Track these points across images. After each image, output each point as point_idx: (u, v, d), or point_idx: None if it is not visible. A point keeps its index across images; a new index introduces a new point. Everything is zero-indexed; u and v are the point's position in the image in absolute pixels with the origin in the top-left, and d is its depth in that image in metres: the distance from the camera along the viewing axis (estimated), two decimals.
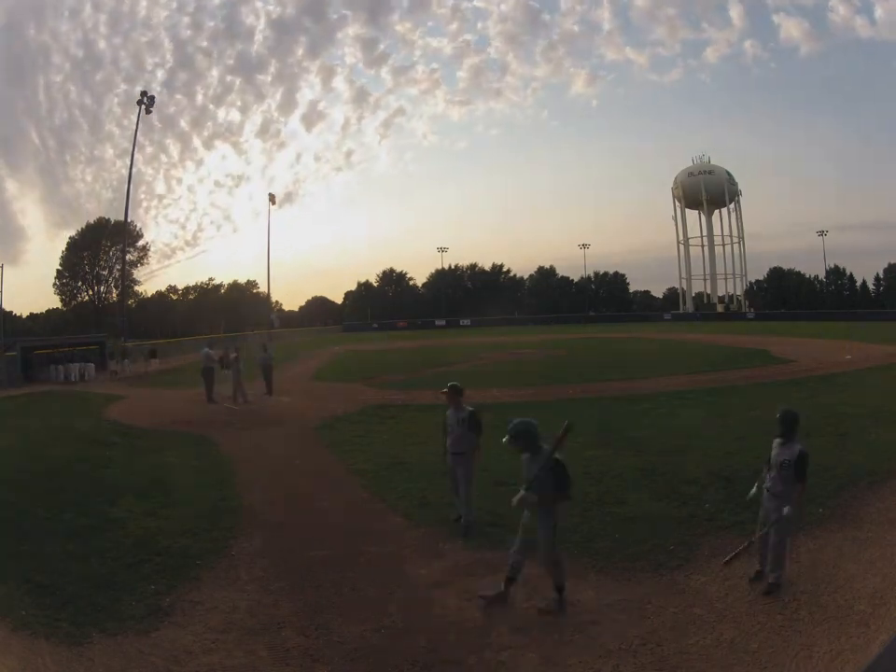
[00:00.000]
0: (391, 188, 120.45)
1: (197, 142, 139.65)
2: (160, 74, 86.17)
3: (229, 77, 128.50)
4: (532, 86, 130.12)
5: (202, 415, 12.66)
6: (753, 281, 77.48)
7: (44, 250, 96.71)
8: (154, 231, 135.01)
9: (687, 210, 74.25)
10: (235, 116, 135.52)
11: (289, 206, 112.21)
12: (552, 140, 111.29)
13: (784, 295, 73.74)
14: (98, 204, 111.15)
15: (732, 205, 72.35)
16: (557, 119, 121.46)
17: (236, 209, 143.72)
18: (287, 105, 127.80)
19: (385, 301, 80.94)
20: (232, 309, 70.52)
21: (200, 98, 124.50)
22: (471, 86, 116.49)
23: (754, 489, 4.48)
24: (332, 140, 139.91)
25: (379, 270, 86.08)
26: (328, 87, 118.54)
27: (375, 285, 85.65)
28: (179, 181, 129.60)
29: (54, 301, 68.69)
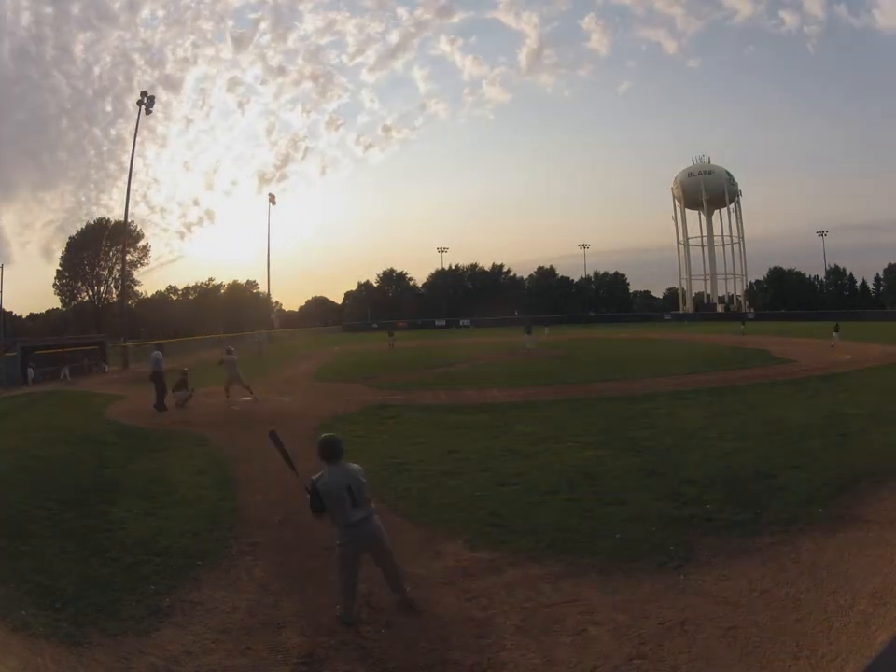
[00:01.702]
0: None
1: None
2: None
3: None
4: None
5: (201, 415, 12.65)
6: (753, 281, 77.70)
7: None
8: (171, 187, 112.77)
9: (687, 210, 74.41)
10: None
11: (377, 156, 77.71)
12: (551, 140, 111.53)
13: (784, 295, 73.80)
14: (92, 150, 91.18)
15: (732, 205, 72.47)
16: (557, 120, 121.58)
17: (295, 166, 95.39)
18: None
19: (386, 300, 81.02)
20: (233, 309, 70.58)
21: None
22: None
23: None
24: (487, 52, 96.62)
25: (379, 270, 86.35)
26: None
27: (375, 285, 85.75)
28: (222, 107, 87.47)
29: (54, 301, 68.91)
